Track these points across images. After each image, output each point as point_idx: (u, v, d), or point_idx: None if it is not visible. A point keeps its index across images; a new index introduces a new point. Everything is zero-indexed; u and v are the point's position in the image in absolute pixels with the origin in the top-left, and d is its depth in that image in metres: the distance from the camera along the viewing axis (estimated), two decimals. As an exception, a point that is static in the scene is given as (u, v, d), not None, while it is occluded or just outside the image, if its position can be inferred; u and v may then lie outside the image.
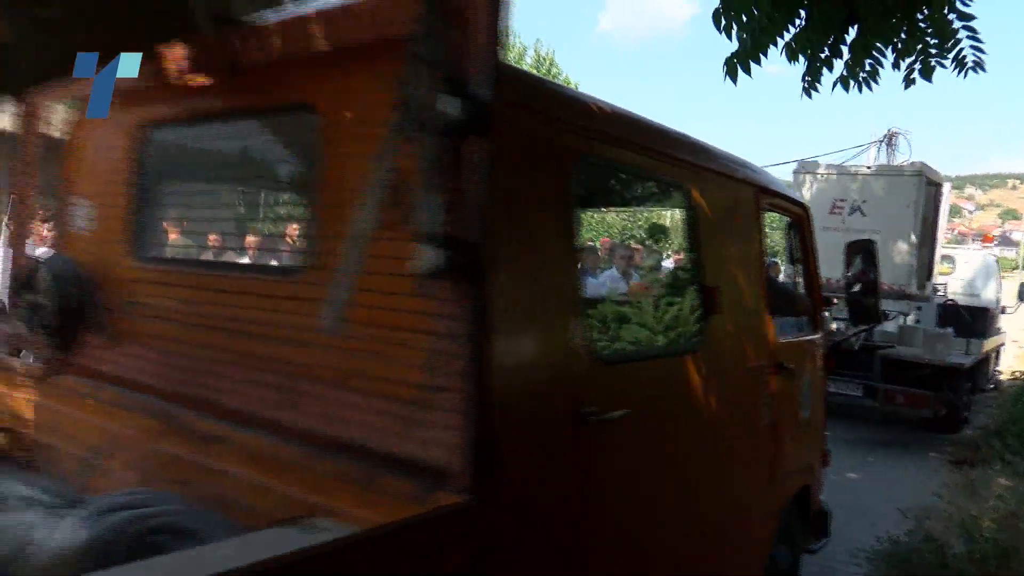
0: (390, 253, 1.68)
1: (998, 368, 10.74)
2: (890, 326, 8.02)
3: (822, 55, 3.79)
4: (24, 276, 2.55)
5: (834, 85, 3.84)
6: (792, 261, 4.19)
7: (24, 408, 2.49)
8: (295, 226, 2.61)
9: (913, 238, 7.83)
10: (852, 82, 3.79)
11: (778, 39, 3.73)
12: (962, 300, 10.25)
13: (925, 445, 7.49)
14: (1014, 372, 8.21)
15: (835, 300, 6.20)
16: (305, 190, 2.24)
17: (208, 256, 3.02)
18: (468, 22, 1.56)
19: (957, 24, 3.65)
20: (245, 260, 3.53)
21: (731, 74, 3.77)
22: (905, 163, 10.27)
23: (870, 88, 3.82)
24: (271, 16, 2.04)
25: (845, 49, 3.77)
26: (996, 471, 5.66)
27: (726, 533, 2.94)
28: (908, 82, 3.76)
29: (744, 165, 3.22)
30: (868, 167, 9.73)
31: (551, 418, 1.99)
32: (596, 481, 2.13)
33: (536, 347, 1.99)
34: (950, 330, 8.63)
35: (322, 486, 1.73)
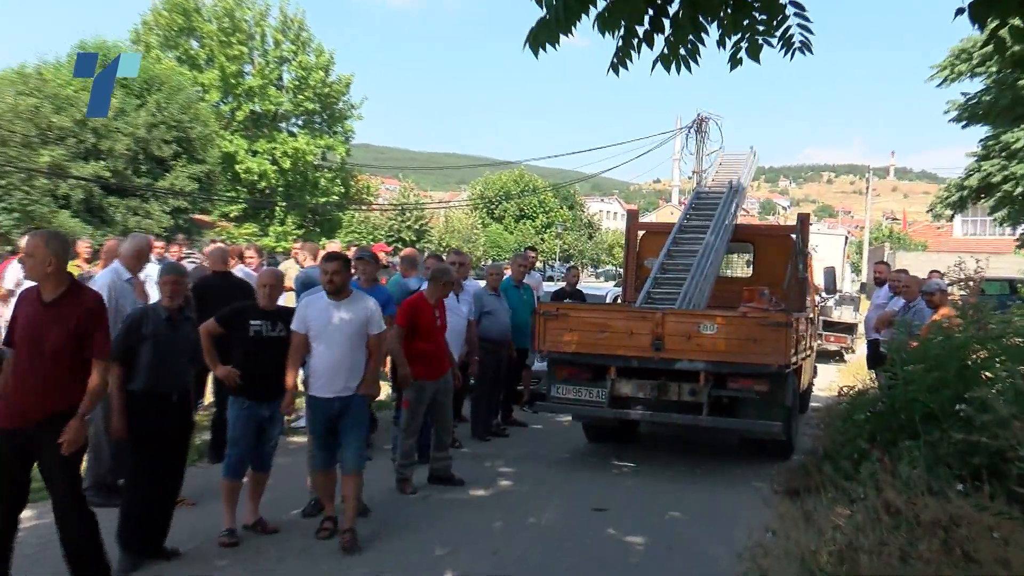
0: (795, 283, 9.23)
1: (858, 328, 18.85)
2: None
3: (640, 29, 3.22)
4: None
5: (654, 64, 3.30)
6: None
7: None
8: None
9: (835, 263, 15.37)
10: (673, 61, 3.26)
11: (591, 8, 3.14)
12: (846, 291, 19.53)
13: (751, 471, 7.26)
14: (840, 387, 8.17)
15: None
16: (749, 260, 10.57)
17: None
18: (804, 230, 9.51)
19: None
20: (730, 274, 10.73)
21: (534, 46, 3.13)
22: (835, 227, 25.52)
23: (689, 68, 3.30)
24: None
25: (667, 23, 3.23)
26: (831, 499, 5.34)
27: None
28: (734, 62, 3.28)
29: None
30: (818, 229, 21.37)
31: None
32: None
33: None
34: (845, 306, 17.28)
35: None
